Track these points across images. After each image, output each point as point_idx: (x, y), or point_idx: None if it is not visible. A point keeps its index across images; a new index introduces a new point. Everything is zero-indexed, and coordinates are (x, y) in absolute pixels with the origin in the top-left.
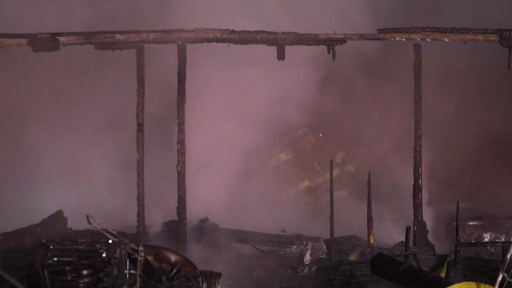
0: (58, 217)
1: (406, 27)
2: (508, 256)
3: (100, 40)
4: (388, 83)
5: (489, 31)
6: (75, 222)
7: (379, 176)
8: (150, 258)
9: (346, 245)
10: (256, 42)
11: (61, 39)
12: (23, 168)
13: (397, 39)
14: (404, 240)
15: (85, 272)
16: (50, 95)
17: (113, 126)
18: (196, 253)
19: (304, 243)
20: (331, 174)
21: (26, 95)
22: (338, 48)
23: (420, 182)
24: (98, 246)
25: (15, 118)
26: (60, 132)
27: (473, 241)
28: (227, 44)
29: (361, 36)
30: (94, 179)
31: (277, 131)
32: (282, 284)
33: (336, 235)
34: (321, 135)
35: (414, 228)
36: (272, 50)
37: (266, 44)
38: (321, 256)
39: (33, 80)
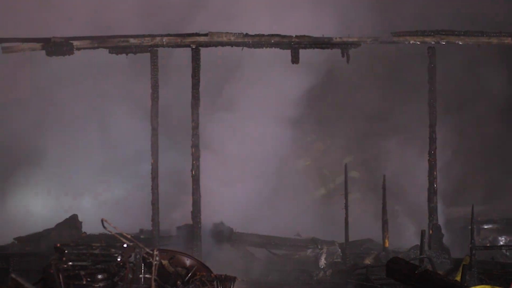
0: (72, 221)
1: (420, 30)
2: None
3: (114, 44)
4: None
5: (504, 34)
6: (90, 227)
7: (394, 180)
8: (165, 262)
9: (361, 249)
10: (270, 45)
11: (75, 43)
12: (39, 173)
13: (411, 42)
14: (419, 243)
15: (100, 276)
16: (68, 101)
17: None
18: (211, 257)
19: (319, 247)
20: (346, 178)
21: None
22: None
23: (435, 185)
24: (113, 250)
25: (33, 123)
26: (74, 138)
27: (488, 245)
28: (241, 48)
29: (375, 40)
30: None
31: (293, 138)
32: None
33: (351, 238)
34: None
35: (429, 232)
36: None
37: (280, 48)
38: (336, 260)
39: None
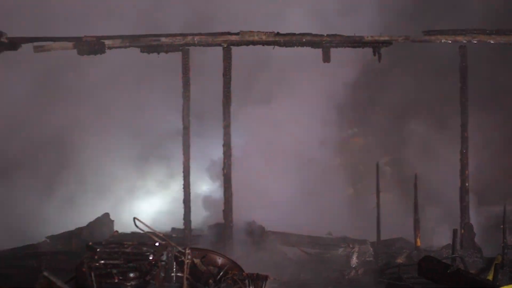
0: (104, 219)
1: (452, 29)
2: None
3: (146, 43)
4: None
5: None
6: (122, 225)
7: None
8: (197, 261)
9: (393, 248)
10: (301, 44)
11: (107, 42)
12: (72, 172)
13: (442, 41)
14: (451, 242)
15: (131, 275)
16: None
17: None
18: (243, 255)
19: (350, 245)
20: (377, 177)
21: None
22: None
23: (466, 184)
24: (145, 248)
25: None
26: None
27: None
28: (272, 46)
29: (407, 38)
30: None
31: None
32: (329, 287)
33: (382, 237)
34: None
35: (461, 231)
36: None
37: (311, 47)
38: (368, 259)
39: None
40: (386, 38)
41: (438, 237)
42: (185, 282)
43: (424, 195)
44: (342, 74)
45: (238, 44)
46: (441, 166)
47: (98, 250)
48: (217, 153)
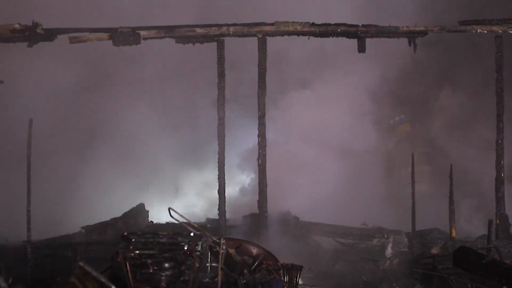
0: (139, 210)
1: (488, 19)
2: None
3: (181, 34)
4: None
5: None
6: (157, 215)
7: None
8: (231, 251)
9: (428, 238)
10: (337, 35)
11: (142, 33)
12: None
13: (478, 31)
14: (486, 233)
15: (167, 265)
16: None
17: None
18: (277, 246)
19: (385, 236)
20: (413, 167)
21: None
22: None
23: (502, 174)
24: (179, 239)
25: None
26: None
27: None
28: (307, 37)
29: (442, 29)
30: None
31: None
32: (364, 278)
33: (417, 228)
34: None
35: (496, 221)
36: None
37: (347, 37)
38: (402, 249)
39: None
40: (422, 29)
41: (473, 227)
42: (219, 272)
43: (460, 185)
44: (382, 63)
45: (273, 34)
46: (477, 156)
47: (133, 240)
48: (252, 144)
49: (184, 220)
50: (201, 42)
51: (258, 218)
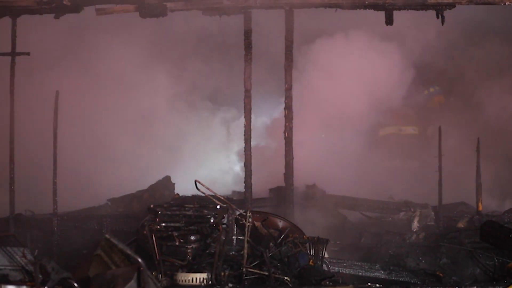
0: (165, 182)
1: None
2: None
3: (208, 6)
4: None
5: None
6: (183, 188)
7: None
8: (257, 224)
9: (455, 212)
10: (364, 7)
11: (169, 4)
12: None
13: (507, 3)
14: None
15: (193, 237)
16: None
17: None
18: (303, 219)
19: (412, 209)
20: (440, 140)
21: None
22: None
23: None
24: (206, 211)
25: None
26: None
27: None
28: (334, 9)
29: (470, 1)
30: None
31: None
32: (390, 251)
33: (444, 201)
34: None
35: None
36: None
37: (374, 9)
38: (429, 223)
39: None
40: (450, 1)
41: (500, 201)
42: (245, 245)
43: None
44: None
45: (300, 6)
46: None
47: (159, 212)
48: (276, 116)
49: (210, 193)
50: (228, 14)
51: (284, 191)
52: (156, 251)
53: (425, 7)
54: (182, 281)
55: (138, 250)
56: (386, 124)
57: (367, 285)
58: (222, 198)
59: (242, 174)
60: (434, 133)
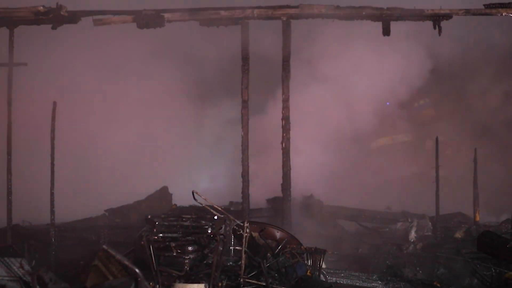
0: (163, 193)
1: None
2: None
3: (205, 17)
4: None
5: None
6: (180, 199)
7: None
8: (255, 234)
9: (452, 222)
10: (361, 18)
11: (166, 15)
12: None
13: (503, 14)
14: (510, 217)
15: (190, 248)
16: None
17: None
18: (301, 229)
19: (409, 220)
20: (437, 151)
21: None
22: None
23: None
24: (203, 222)
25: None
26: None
27: None
28: (331, 20)
29: (467, 12)
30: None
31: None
32: (387, 261)
33: (441, 212)
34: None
35: None
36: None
37: (371, 20)
38: (426, 234)
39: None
40: (447, 12)
41: (497, 212)
42: (243, 256)
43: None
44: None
45: (297, 17)
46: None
47: (156, 223)
48: (273, 127)
49: (208, 204)
50: (226, 25)
51: (281, 201)
52: (154, 262)
53: (422, 17)
54: None
55: (135, 261)
56: (378, 136)
57: None
58: (220, 208)
59: (239, 185)
60: (433, 145)
